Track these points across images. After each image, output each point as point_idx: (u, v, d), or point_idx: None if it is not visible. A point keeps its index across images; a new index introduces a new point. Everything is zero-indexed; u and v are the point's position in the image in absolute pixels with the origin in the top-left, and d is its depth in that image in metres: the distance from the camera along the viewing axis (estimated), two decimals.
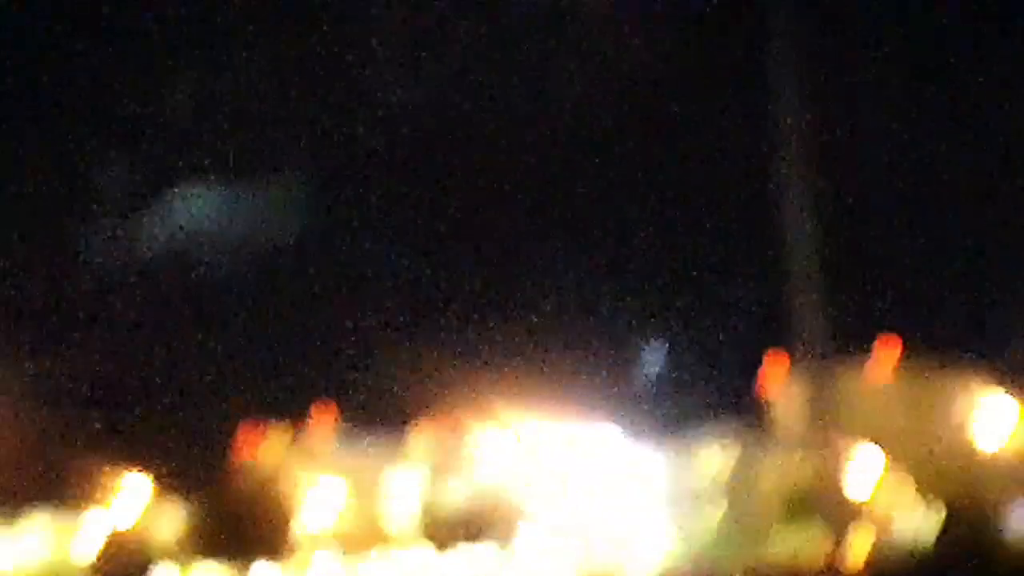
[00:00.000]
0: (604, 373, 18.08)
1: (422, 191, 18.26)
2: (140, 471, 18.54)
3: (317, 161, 18.78)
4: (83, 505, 18.48)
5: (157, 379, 17.73)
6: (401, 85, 18.36)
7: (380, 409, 18.42)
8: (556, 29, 18.06)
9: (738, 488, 18.37)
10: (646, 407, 18.21)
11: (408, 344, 17.86)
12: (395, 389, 17.96)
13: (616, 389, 18.19)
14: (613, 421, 18.35)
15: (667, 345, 18.37)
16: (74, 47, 17.62)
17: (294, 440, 19.28)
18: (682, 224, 18.19)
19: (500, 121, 17.75)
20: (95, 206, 18.64)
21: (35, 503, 18.14)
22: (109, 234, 18.57)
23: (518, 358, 17.59)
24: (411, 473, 19.19)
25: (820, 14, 16.86)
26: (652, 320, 18.30)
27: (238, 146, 18.58)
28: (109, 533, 18.63)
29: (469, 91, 17.80)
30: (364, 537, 19.13)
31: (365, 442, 19.14)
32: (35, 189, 18.01)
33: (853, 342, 17.57)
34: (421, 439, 19.09)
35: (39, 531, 18.40)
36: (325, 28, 17.95)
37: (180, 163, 18.73)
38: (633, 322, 18.33)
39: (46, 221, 18.18)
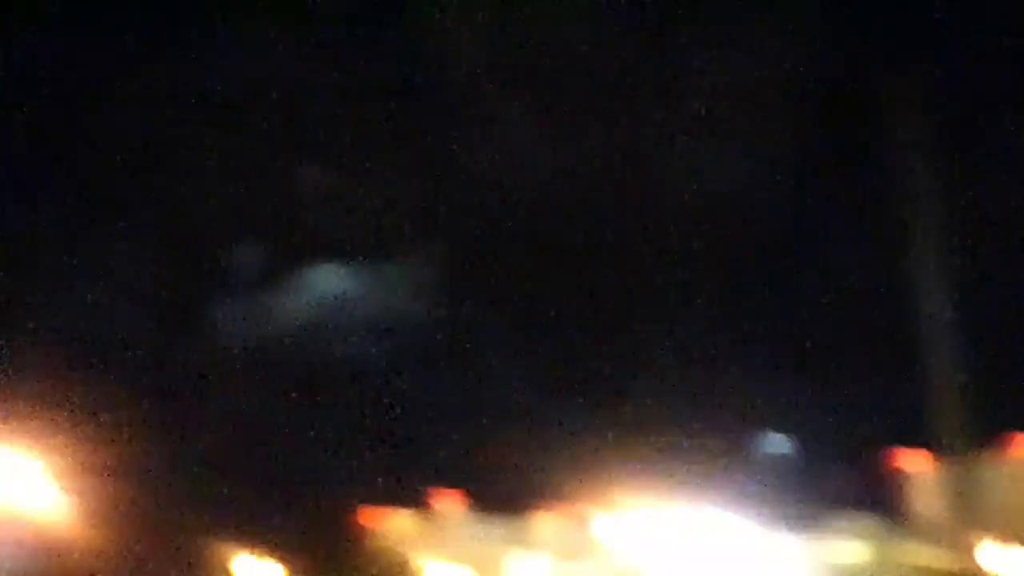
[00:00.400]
0: (737, 462, 17.76)
1: (549, 276, 18.16)
2: (262, 556, 18.54)
3: (445, 245, 18.81)
4: None
5: (283, 461, 17.79)
6: (528, 168, 18.31)
7: (505, 494, 18.27)
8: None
9: None
10: (779, 497, 17.80)
11: (535, 428, 17.72)
12: (522, 474, 17.81)
13: (747, 478, 17.84)
14: (743, 509, 17.95)
15: (799, 434, 18.00)
16: (206, 137, 17.98)
17: (419, 525, 19.19)
18: (821, 311, 17.85)
19: (629, 214, 17.65)
20: (226, 288, 18.87)
21: None
22: (237, 315, 18.74)
23: (648, 444, 17.33)
24: (536, 560, 18.95)
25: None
26: (784, 409, 17.94)
27: (367, 228, 18.69)
28: None
29: (596, 183, 17.72)
30: None
31: (490, 528, 18.97)
32: (169, 271, 18.30)
33: (993, 435, 16.98)
34: (547, 525, 18.87)
35: None
36: (454, 115, 18.05)
37: (309, 244, 18.90)
38: (765, 411, 17.98)
39: (178, 301, 18.43)
